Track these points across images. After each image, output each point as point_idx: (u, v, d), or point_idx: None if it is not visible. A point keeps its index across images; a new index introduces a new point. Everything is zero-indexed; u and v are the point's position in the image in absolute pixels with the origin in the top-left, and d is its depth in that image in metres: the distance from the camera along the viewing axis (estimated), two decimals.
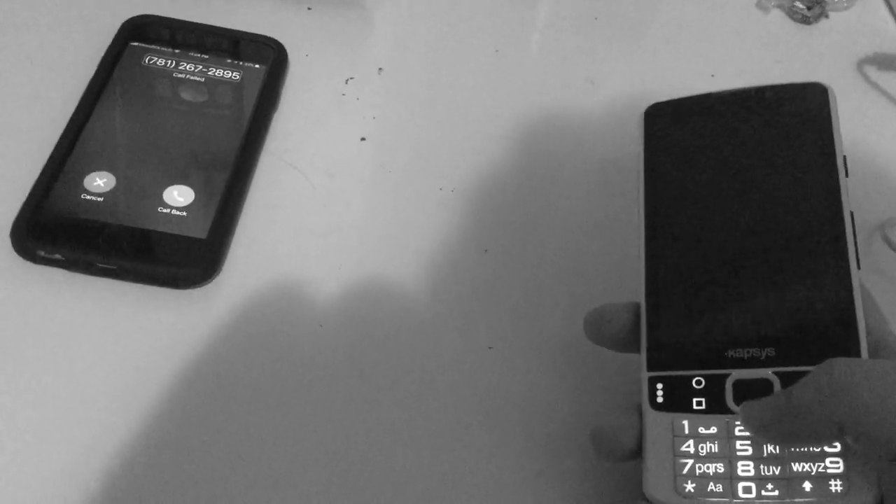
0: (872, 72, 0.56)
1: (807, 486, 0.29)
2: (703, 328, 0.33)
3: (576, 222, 0.46)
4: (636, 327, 0.35)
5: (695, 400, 0.32)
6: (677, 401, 0.32)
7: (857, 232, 0.33)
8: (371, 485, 0.36)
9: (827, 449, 0.30)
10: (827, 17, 0.59)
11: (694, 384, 0.32)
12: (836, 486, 0.29)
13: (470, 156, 0.48)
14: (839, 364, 0.28)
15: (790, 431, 0.29)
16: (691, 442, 0.32)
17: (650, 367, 0.34)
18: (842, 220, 0.33)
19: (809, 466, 0.30)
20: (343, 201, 0.45)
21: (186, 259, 0.40)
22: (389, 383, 0.39)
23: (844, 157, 0.34)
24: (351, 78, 0.50)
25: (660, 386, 0.33)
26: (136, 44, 0.47)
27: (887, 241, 0.47)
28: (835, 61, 0.57)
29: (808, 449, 0.30)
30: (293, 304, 0.41)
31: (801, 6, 0.58)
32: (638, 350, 0.35)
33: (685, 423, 0.32)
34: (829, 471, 0.29)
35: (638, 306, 0.35)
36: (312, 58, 0.51)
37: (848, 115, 0.53)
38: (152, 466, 0.36)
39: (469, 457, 0.38)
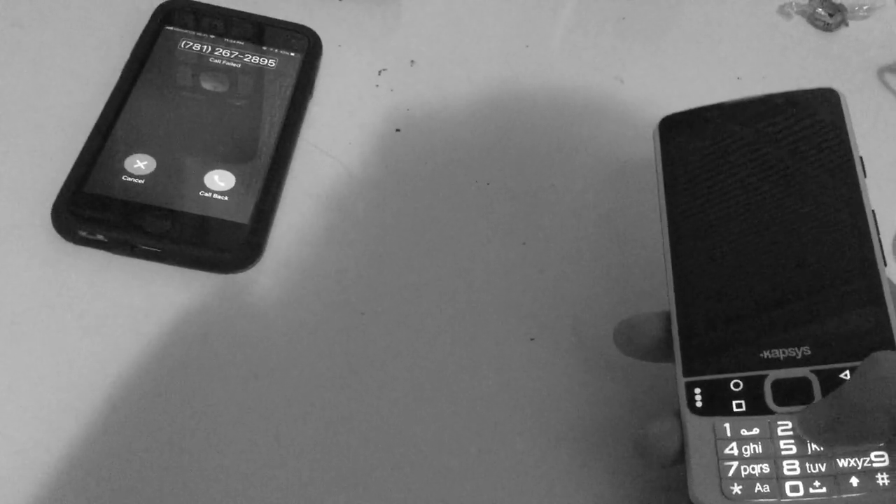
0: (893, 79, 0.57)
1: (854, 481, 0.30)
2: (737, 331, 0.33)
3: (611, 216, 0.46)
4: (667, 337, 0.35)
5: (734, 402, 0.32)
6: (717, 404, 0.33)
7: (879, 230, 0.33)
8: (413, 469, 0.36)
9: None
10: (847, 24, 0.59)
11: (732, 387, 0.32)
12: (882, 479, 0.29)
13: (503, 149, 0.48)
14: (884, 357, 0.29)
15: (846, 432, 0.29)
16: (734, 444, 0.32)
17: (686, 373, 0.34)
18: (865, 218, 0.33)
19: (855, 462, 0.30)
20: (380, 191, 0.45)
21: (229, 243, 0.39)
22: (430, 372, 0.39)
23: (861, 158, 0.35)
24: (384, 69, 0.50)
25: (698, 391, 0.33)
26: (171, 28, 0.47)
27: None
28: (856, 68, 0.58)
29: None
30: (334, 292, 0.41)
31: (822, 13, 0.59)
32: (669, 360, 0.35)
33: (727, 425, 0.32)
34: (874, 465, 0.30)
35: (667, 315, 0.35)
36: (345, 48, 0.51)
37: (869, 122, 0.54)
38: (188, 449, 0.35)
39: (508, 448, 0.38)
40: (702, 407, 0.33)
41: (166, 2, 0.48)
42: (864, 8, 0.60)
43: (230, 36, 0.48)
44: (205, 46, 0.47)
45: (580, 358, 0.41)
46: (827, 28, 0.59)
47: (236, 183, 0.41)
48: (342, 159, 0.46)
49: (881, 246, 0.33)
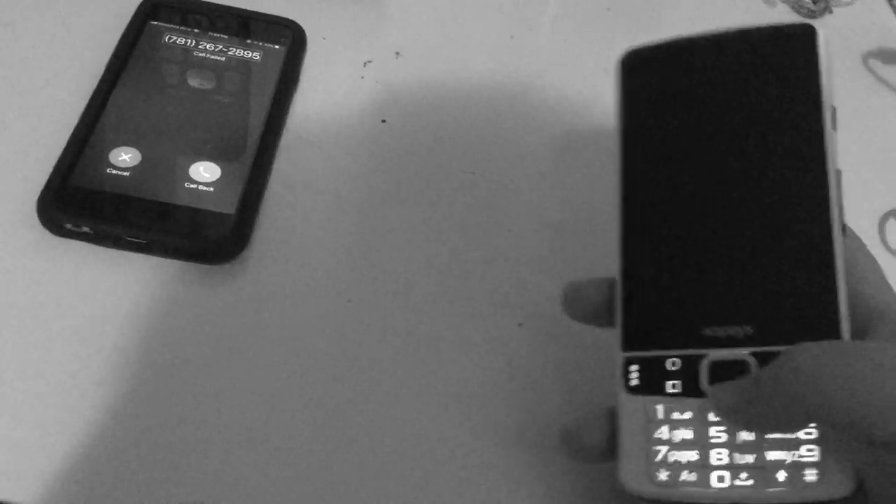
0: (878, 66, 0.57)
1: (781, 475, 0.28)
2: (681, 304, 0.31)
3: (601, 205, 0.46)
4: (611, 302, 0.33)
5: (669, 383, 0.31)
6: (652, 384, 0.31)
7: (842, 194, 0.30)
8: (401, 458, 0.36)
9: (802, 436, 0.28)
10: (831, 11, 0.60)
11: (669, 366, 0.31)
12: (810, 475, 0.28)
13: (489, 139, 0.48)
14: (807, 349, 0.27)
15: (759, 417, 0.28)
16: (665, 428, 0.30)
17: (625, 347, 0.32)
18: (825, 181, 0.30)
19: (784, 455, 0.29)
20: (367, 182, 0.45)
21: (216, 234, 0.39)
22: (418, 359, 0.39)
23: (834, 109, 0.31)
24: (369, 61, 0.50)
25: (634, 368, 0.31)
26: (155, 23, 0.47)
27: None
28: (841, 55, 0.58)
29: (783, 436, 0.29)
30: (320, 280, 0.41)
31: (807, 0, 0.59)
32: (613, 325, 0.33)
33: (659, 407, 0.31)
34: (803, 459, 0.28)
35: (610, 281, 0.33)
36: (330, 41, 0.51)
37: (855, 108, 0.55)
38: (175, 440, 0.35)
39: (497, 432, 0.38)
40: (637, 386, 0.31)
41: None
42: None
43: (214, 30, 0.48)
44: (189, 40, 0.47)
45: (568, 342, 0.41)
46: (811, 15, 0.59)
47: (222, 174, 0.41)
48: (328, 150, 0.46)
49: (841, 213, 0.30)
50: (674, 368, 0.31)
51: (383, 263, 0.42)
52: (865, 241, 0.47)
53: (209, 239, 0.39)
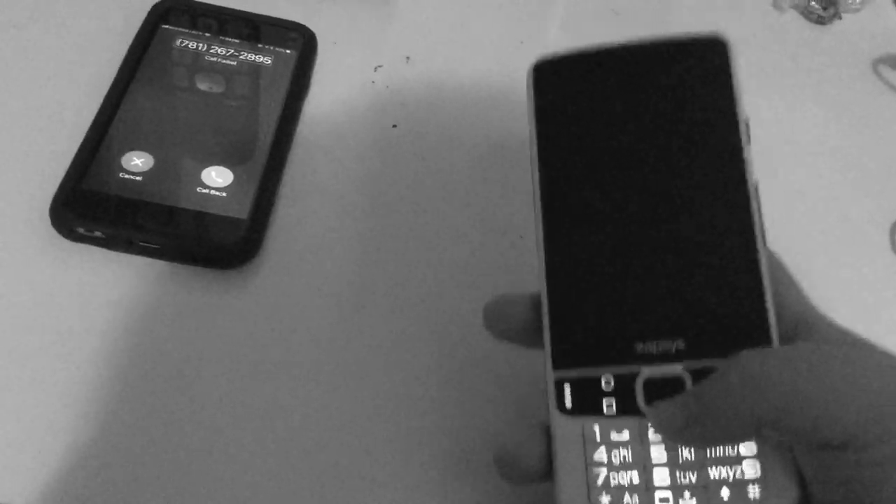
0: (887, 71, 0.57)
1: (724, 493, 0.28)
2: (609, 320, 0.30)
3: None
4: (536, 319, 0.31)
5: (605, 402, 0.29)
6: (587, 404, 0.30)
7: (761, 206, 0.30)
8: (411, 460, 0.36)
9: (742, 452, 0.28)
10: (840, 17, 0.60)
11: (603, 385, 0.30)
12: (753, 491, 0.28)
13: (498, 144, 0.48)
14: (749, 357, 0.27)
15: (704, 433, 0.28)
16: (603, 449, 0.29)
17: (556, 366, 0.30)
18: (746, 193, 0.30)
19: (726, 472, 0.28)
20: (377, 186, 0.45)
21: (228, 238, 0.39)
22: (430, 365, 0.39)
23: (747, 122, 0.31)
24: (379, 66, 0.51)
25: (567, 388, 0.30)
26: (166, 26, 0.47)
27: None
28: (850, 61, 0.58)
29: (724, 453, 0.28)
30: (331, 286, 0.41)
31: (816, 6, 0.59)
32: (539, 346, 0.31)
33: (596, 428, 0.29)
34: (745, 476, 0.28)
35: (536, 297, 0.32)
36: (340, 45, 0.51)
37: (863, 114, 0.55)
38: (185, 444, 0.35)
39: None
40: (571, 407, 0.30)
41: (162, 0, 0.48)
42: (857, 1, 0.60)
43: (226, 34, 0.48)
44: (200, 44, 0.47)
45: None
46: (820, 21, 0.59)
47: (234, 179, 0.41)
48: (339, 155, 0.46)
49: (762, 224, 0.30)
50: (608, 388, 0.30)
51: (394, 269, 0.42)
52: (875, 247, 0.47)
53: (221, 244, 0.39)
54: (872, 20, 0.61)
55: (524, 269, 0.43)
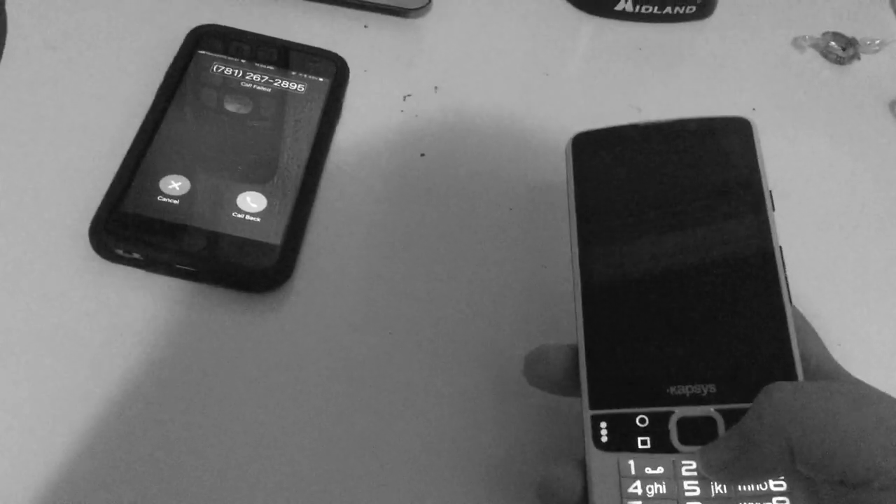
0: None
1: None
2: (644, 365, 0.33)
3: None
4: (575, 369, 0.34)
5: (640, 439, 0.31)
6: (622, 440, 0.32)
7: (786, 266, 0.33)
8: (437, 484, 0.37)
9: (773, 488, 0.29)
10: (859, 58, 0.61)
11: (638, 422, 0.32)
12: None
13: (524, 174, 0.49)
14: (779, 387, 0.29)
15: (747, 465, 0.29)
16: (638, 483, 0.31)
17: (592, 405, 0.33)
18: (773, 254, 0.33)
19: None
20: (406, 214, 0.46)
21: (261, 263, 0.40)
22: (458, 392, 0.40)
23: (770, 192, 0.34)
24: (409, 95, 0.52)
25: (603, 425, 0.32)
26: (203, 52, 0.48)
27: None
28: (868, 101, 0.59)
29: (755, 489, 0.30)
30: (362, 312, 0.42)
31: (835, 47, 0.60)
32: (577, 394, 0.34)
33: (631, 462, 0.31)
34: None
35: (575, 347, 0.34)
36: (371, 74, 0.52)
37: (881, 154, 0.56)
38: (219, 467, 0.36)
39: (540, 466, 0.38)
40: (607, 442, 0.32)
41: (199, 26, 0.49)
42: (877, 42, 0.61)
43: (260, 60, 0.49)
44: (236, 71, 0.48)
45: None
46: (839, 61, 0.61)
47: (267, 205, 0.42)
48: (369, 182, 0.47)
49: (787, 283, 0.32)
50: (643, 425, 0.32)
51: (423, 296, 0.43)
52: (890, 287, 0.48)
53: (255, 269, 0.40)
54: (891, 62, 0.62)
55: (551, 297, 0.44)
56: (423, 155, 0.49)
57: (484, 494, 0.37)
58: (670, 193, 0.35)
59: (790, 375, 0.31)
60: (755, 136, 0.36)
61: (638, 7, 0.59)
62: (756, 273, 0.33)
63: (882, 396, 0.29)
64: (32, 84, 0.46)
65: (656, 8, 0.60)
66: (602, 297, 0.34)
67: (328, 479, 0.37)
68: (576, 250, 0.36)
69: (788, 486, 0.29)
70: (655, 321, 0.33)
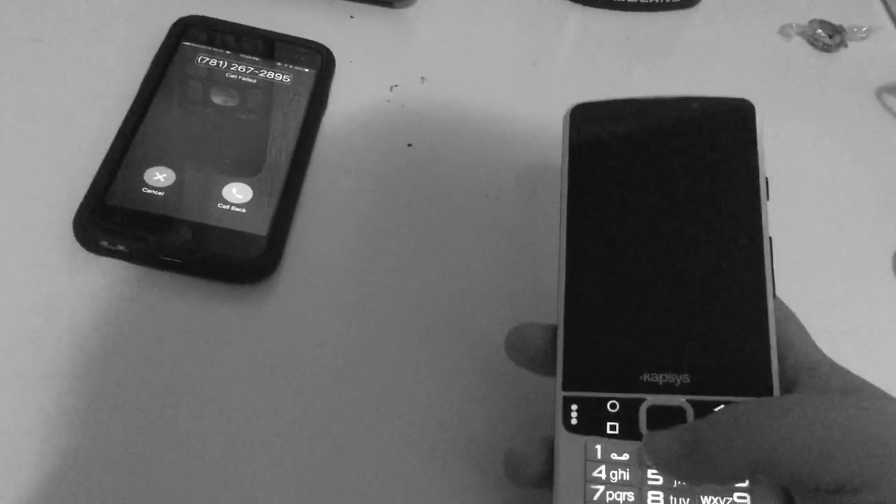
0: (892, 100, 0.58)
1: None
2: (620, 350, 0.32)
3: None
4: (553, 349, 0.34)
5: (609, 424, 0.31)
6: (591, 424, 0.32)
7: (773, 259, 0.32)
8: (425, 476, 0.37)
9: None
10: (846, 46, 0.61)
11: (609, 407, 0.32)
12: None
13: (512, 164, 0.49)
14: (744, 405, 0.28)
15: (697, 471, 0.29)
16: (603, 468, 0.31)
17: (565, 387, 0.32)
18: (761, 246, 0.32)
19: (718, 501, 0.30)
20: (393, 204, 0.46)
21: (247, 255, 0.40)
22: (445, 382, 0.40)
23: (766, 180, 0.33)
24: (395, 85, 0.51)
25: (574, 407, 0.32)
26: (188, 43, 0.48)
27: None
28: (855, 88, 0.59)
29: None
30: (348, 302, 0.42)
31: (822, 34, 0.60)
32: (554, 374, 0.33)
33: (598, 447, 0.31)
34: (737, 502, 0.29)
35: (556, 327, 0.34)
36: (357, 65, 0.52)
37: (868, 143, 0.56)
38: (203, 458, 0.36)
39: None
40: (576, 424, 0.32)
41: (183, 17, 0.49)
42: (863, 30, 0.61)
43: (245, 52, 0.49)
44: (221, 62, 0.48)
45: None
46: (826, 49, 0.61)
47: (253, 196, 0.42)
48: (356, 173, 0.46)
49: (773, 276, 0.32)
50: (613, 410, 0.31)
51: (410, 286, 0.43)
52: (878, 274, 0.48)
53: (241, 260, 0.40)
54: (878, 49, 0.62)
55: (538, 286, 0.44)
56: (409, 145, 0.49)
57: (472, 484, 0.37)
58: (663, 173, 0.34)
59: (763, 370, 0.31)
60: (757, 119, 0.34)
61: None
62: (741, 264, 0.32)
63: (846, 402, 0.28)
64: (15, 75, 0.46)
65: None
66: (585, 277, 0.34)
67: (315, 469, 0.36)
68: (564, 227, 0.35)
69: (749, 482, 0.29)
70: (636, 306, 0.33)
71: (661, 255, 0.33)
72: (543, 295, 0.44)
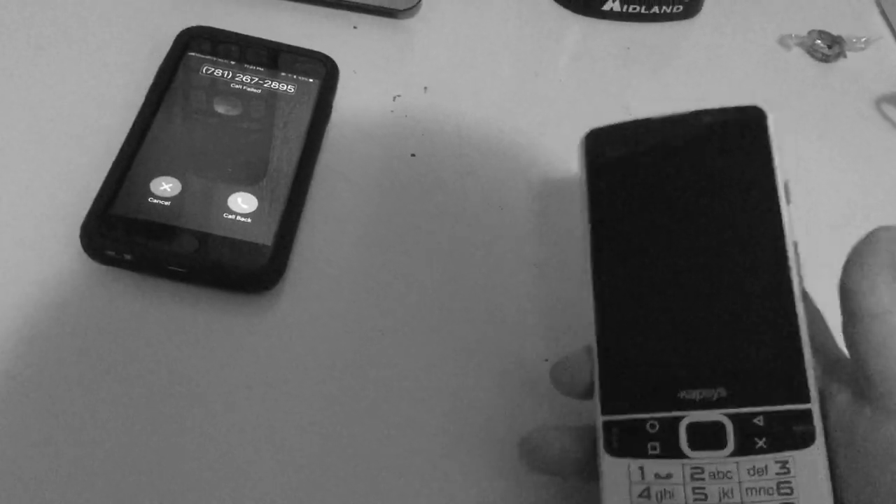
0: (891, 110, 0.58)
1: None
2: (655, 369, 0.33)
3: None
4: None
5: (650, 444, 0.32)
6: (633, 445, 0.32)
7: (801, 263, 0.32)
8: (428, 484, 0.37)
9: (777, 494, 0.29)
10: (845, 56, 0.61)
11: (648, 428, 0.32)
12: None
13: (515, 174, 0.49)
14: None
15: None
16: (648, 488, 0.31)
17: (604, 411, 0.33)
18: (784, 251, 0.32)
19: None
20: (397, 214, 0.46)
21: (254, 265, 0.40)
22: (448, 391, 0.40)
23: (786, 183, 0.33)
24: (398, 95, 0.52)
25: (615, 430, 0.32)
26: (192, 54, 0.48)
27: None
28: (854, 99, 0.59)
29: (761, 494, 0.30)
30: (353, 311, 0.42)
31: (821, 45, 0.61)
32: None
33: (641, 468, 0.31)
34: None
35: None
36: (361, 75, 0.52)
37: (867, 153, 0.56)
38: (209, 466, 0.36)
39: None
40: (618, 448, 0.32)
41: (188, 28, 0.49)
42: (862, 40, 0.62)
43: (250, 62, 0.49)
44: (225, 72, 0.48)
45: None
46: (825, 59, 0.61)
47: (259, 205, 0.42)
48: (359, 183, 0.47)
49: (801, 281, 0.32)
50: (653, 431, 0.32)
51: (414, 296, 0.43)
52: None
53: (247, 270, 0.40)
54: (877, 59, 0.62)
55: (543, 295, 0.44)
56: (413, 155, 0.49)
57: (482, 491, 0.38)
58: (682, 189, 0.35)
59: (800, 378, 0.31)
60: (769, 125, 0.34)
61: (625, 7, 0.60)
62: (766, 271, 0.32)
63: None
64: (21, 85, 0.46)
65: (644, 7, 0.60)
66: (614, 299, 0.34)
67: (321, 478, 0.37)
68: (588, 252, 0.35)
69: (797, 482, 0.29)
70: (667, 323, 0.33)
71: (688, 270, 0.33)
72: (548, 303, 0.44)
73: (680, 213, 0.34)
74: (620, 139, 0.37)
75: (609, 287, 0.34)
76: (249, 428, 0.37)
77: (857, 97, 0.60)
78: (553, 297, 0.44)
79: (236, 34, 0.50)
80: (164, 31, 0.49)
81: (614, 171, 0.36)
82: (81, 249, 0.40)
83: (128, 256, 0.40)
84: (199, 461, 0.36)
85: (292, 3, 0.54)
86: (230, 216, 0.42)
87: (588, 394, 0.34)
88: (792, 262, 0.32)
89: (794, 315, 0.31)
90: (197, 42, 0.49)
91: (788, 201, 0.33)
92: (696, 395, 0.31)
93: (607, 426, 0.33)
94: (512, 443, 0.39)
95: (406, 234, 0.45)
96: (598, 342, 0.34)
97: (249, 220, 0.42)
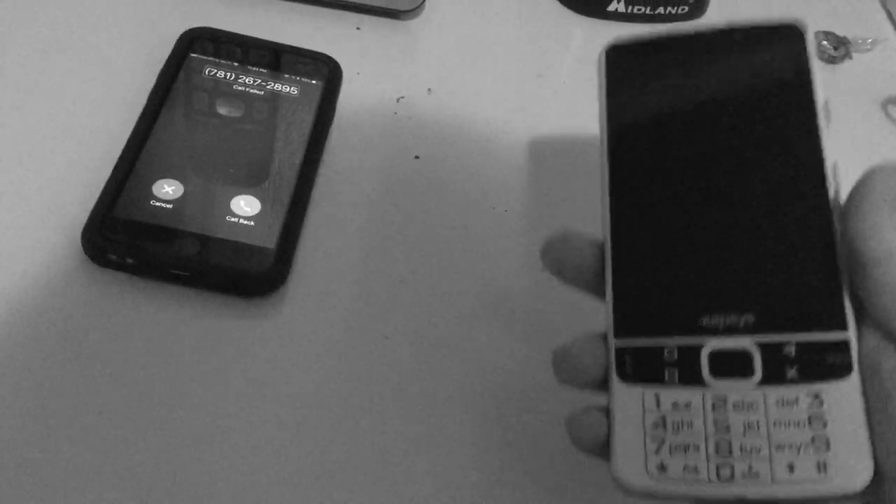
0: None
1: (788, 467, 0.27)
2: (675, 291, 0.30)
3: None
4: (599, 267, 0.32)
5: (667, 371, 0.29)
6: (648, 372, 0.29)
7: (840, 186, 0.30)
8: (433, 488, 0.37)
9: (808, 427, 0.27)
10: (851, 57, 0.61)
11: (666, 354, 0.29)
12: (820, 465, 0.27)
13: (519, 175, 0.49)
14: None
15: None
16: (664, 418, 0.29)
17: (618, 334, 0.30)
18: (822, 172, 0.30)
19: (792, 446, 0.27)
20: (401, 217, 0.46)
21: (256, 268, 0.40)
22: (453, 396, 0.40)
23: (826, 102, 0.31)
24: (402, 97, 0.51)
25: (629, 356, 0.30)
26: (195, 55, 0.48)
27: None
28: (860, 100, 0.59)
29: (790, 427, 0.27)
30: (357, 315, 0.41)
31: (827, 46, 0.60)
32: (599, 294, 0.32)
33: (657, 395, 0.29)
34: (812, 451, 0.27)
35: (601, 244, 0.32)
36: (364, 77, 0.52)
37: (874, 154, 0.56)
38: (213, 471, 0.36)
39: (537, 466, 0.38)
40: (632, 374, 0.30)
41: (190, 29, 0.49)
42: (868, 41, 0.62)
43: (253, 63, 0.49)
44: (228, 74, 0.48)
45: None
46: (832, 61, 0.61)
47: (261, 208, 0.42)
48: (363, 185, 0.46)
49: (839, 202, 0.29)
50: (671, 358, 0.29)
51: (418, 299, 0.43)
52: None
53: (250, 273, 0.40)
54: (883, 61, 0.62)
55: (547, 298, 0.44)
56: (417, 157, 0.49)
57: (486, 496, 0.37)
58: (711, 107, 0.32)
59: (837, 303, 0.28)
60: (809, 41, 0.31)
61: (630, 7, 0.59)
62: (803, 191, 0.30)
63: None
64: (23, 88, 0.46)
65: (648, 8, 0.60)
66: (633, 217, 0.31)
67: (326, 484, 0.36)
68: (606, 169, 0.33)
69: (830, 419, 0.27)
70: (690, 244, 0.30)
71: (716, 189, 0.31)
72: (553, 306, 0.44)
73: (709, 132, 0.32)
74: (645, 54, 0.34)
75: (627, 203, 0.32)
76: (253, 433, 0.37)
77: (864, 98, 0.59)
78: (559, 301, 0.44)
79: (239, 35, 0.50)
80: (167, 33, 0.49)
81: (637, 88, 0.33)
82: (83, 252, 0.40)
83: (130, 260, 0.39)
84: (203, 467, 0.36)
85: (295, 5, 0.54)
86: (233, 219, 0.41)
87: (582, 284, 0.32)
88: (830, 184, 0.29)
89: (832, 238, 0.29)
90: (199, 43, 0.48)
91: (828, 122, 0.30)
92: (720, 320, 0.29)
93: (620, 352, 0.30)
94: (520, 447, 0.39)
95: (410, 237, 0.45)
96: (614, 258, 0.31)
97: (252, 223, 0.42)
